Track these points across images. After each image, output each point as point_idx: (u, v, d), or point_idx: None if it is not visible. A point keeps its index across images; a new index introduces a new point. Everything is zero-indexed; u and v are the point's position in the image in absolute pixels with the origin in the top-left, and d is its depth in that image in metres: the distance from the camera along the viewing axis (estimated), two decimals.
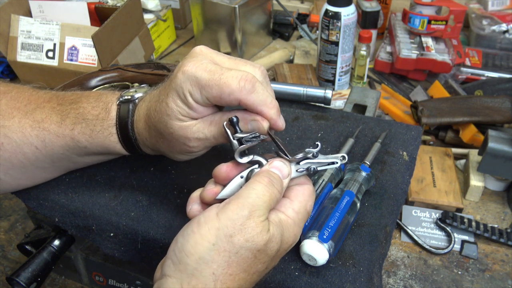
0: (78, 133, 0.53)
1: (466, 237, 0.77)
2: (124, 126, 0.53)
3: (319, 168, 0.47)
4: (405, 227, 0.79)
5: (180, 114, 0.47)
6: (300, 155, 0.46)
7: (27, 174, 0.56)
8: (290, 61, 1.28)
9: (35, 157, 0.53)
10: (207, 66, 0.45)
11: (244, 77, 0.44)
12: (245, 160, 0.46)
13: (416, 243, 0.77)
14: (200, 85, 0.45)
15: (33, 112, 0.53)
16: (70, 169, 0.60)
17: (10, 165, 0.53)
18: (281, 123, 0.47)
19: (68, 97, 0.55)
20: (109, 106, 0.53)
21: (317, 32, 1.16)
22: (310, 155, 0.46)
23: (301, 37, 1.38)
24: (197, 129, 0.48)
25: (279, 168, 0.45)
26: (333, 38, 1.07)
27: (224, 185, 0.46)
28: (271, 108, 0.46)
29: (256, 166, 0.46)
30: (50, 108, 0.54)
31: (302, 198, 0.46)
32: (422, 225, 0.80)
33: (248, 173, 0.46)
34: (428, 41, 1.15)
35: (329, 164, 0.47)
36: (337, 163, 0.47)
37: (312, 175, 0.50)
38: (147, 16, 1.27)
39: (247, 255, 0.40)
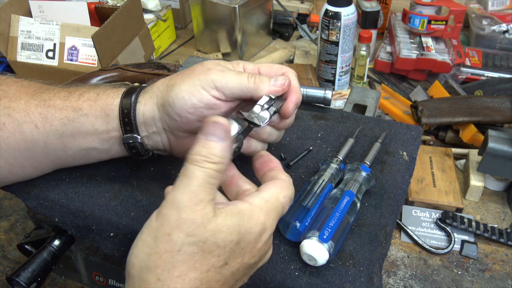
0: (84, 100, 0.53)
1: (466, 237, 0.77)
2: (132, 89, 0.54)
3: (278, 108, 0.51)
4: (405, 227, 0.79)
5: (222, 62, 0.52)
6: (265, 112, 0.49)
7: (19, 160, 0.55)
8: (290, 61, 1.28)
9: (31, 137, 0.53)
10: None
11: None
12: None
13: (416, 243, 0.77)
14: (255, 63, 0.54)
15: (42, 93, 0.54)
16: (58, 160, 0.57)
17: (6, 147, 0.53)
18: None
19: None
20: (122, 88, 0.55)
21: (317, 32, 1.16)
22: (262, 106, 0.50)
23: (301, 37, 1.38)
24: (230, 68, 0.52)
25: (211, 132, 0.39)
26: (333, 38, 1.07)
27: None
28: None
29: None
30: (61, 88, 0.55)
31: (274, 189, 0.44)
32: (422, 225, 0.80)
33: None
34: (428, 41, 1.15)
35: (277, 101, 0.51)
36: (281, 104, 0.51)
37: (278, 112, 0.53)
38: (147, 16, 1.27)
39: (192, 250, 0.37)
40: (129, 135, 0.53)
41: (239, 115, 0.49)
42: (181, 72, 0.53)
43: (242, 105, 0.54)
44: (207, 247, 0.37)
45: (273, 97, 0.51)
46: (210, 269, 0.38)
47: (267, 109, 0.50)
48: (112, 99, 0.53)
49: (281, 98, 0.52)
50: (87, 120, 0.53)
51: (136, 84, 0.56)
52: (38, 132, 0.53)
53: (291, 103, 0.53)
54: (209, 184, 0.38)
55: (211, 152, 0.38)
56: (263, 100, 0.50)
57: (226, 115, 0.53)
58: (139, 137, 0.54)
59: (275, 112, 0.51)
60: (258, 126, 0.49)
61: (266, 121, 0.49)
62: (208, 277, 0.37)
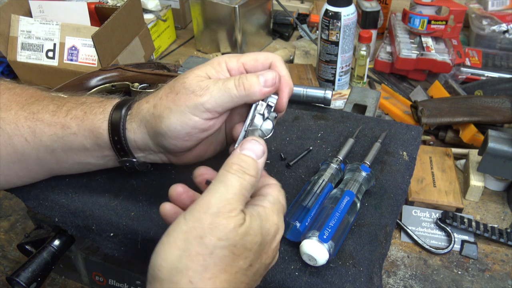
0: (71, 118, 0.52)
1: (466, 237, 0.77)
2: (123, 101, 0.52)
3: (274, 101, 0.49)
4: (405, 227, 0.79)
5: (202, 72, 0.48)
6: (267, 123, 0.48)
7: (12, 170, 0.55)
8: (290, 61, 1.28)
9: (23, 150, 0.53)
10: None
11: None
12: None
13: (416, 243, 0.77)
14: (238, 55, 0.50)
15: (31, 105, 0.53)
16: (53, 171, 0.58)
17: None
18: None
19: (76, 94, 0.56)
20: (115, 97, 0.54)
21: (317, 32, 1.16)
22: (264, 105, 0.48)
23: (301, 37, 1.38)
24: (212, 81, 0.48)
25: (251, 148, 0.42)
26: (333, 38, 1.07)
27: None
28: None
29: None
30: (50, 99, 0.54)
31: (275, 192, 0.45)
32: (422, 225, 0.80)
33: None
34: (428, 41, 1.15)
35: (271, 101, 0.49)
36: (275, 97, 0.49)
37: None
38: (147, 16, 1.27)
39: (224, 253, 0.37)
40: (125, 158, 0.53)
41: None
42: (164, 95, 0.49)
43: (237, 110, 0.52)
44: (237, 250, 0.38)
45: (272, 104, 0.49)
46: (238, 271, 0.39)
47: (268, 117, 0.48)
48: (100, 122, 0.51)
49: (275, 93, 0.50)
50: (77, 139, 0.52)
51: (137, 87, 0.55)
52: (28, 146, 0.52)
53: (285, 98, 0.50)
54: (242, 196, 0.40)
55: (249, 165, 0.41)
56: (261, 107, 0.48)
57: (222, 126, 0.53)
58: (135, 160, 0.53)
59: (275, 117, 0.50)
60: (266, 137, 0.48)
61: (270, 132, 0.48)
62: (235, 279, 0.38)
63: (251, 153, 0.42)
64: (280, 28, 1.40)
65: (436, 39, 1.17)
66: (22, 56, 1.11)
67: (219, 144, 0.55)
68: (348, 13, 1.03)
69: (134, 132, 0.51)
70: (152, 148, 0.52)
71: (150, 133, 0.50)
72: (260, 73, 0.48)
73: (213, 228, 0.37)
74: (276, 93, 0.50)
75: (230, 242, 0.37)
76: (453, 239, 0.76)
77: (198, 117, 0.47)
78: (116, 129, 0.50)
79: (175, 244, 0.37)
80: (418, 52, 1.13)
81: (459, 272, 0.73)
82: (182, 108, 0.47)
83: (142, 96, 0.53)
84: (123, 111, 0.51)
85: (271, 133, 0.48)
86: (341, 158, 0.61)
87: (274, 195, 0.44)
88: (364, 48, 1.11)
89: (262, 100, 0.49)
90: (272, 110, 0.49)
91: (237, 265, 0.38)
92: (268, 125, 0.48)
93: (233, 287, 0.38)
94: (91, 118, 0.52)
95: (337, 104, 1.08)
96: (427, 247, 0.76)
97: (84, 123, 0.51)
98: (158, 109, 0.48)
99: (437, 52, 1.12)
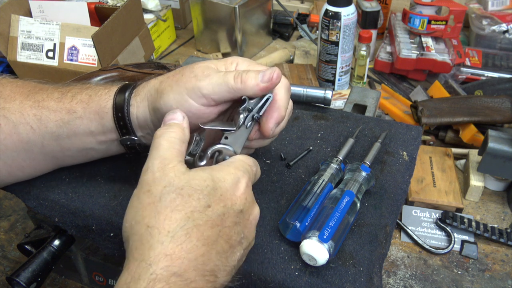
0: (77, 102, 0.53)
1: (466, 237, 0.77)
2: (127, 85, 0.54)
3: (261, 113, 0.50)
4: (405, 227, 0.79)
5: (212, 64, 0.51)
6: (240, 117, 0.50)
7: (16, 161, 0.55)
8: (290, 61, 1.28)
9: (28, 138, 0.53)
10: None
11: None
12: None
13: (416, 243, 0.77)
14: (250, 61, 0.53)
15: (35, 94, 0.54)
16: (56, 160, 0.58)
17: (4, 148, 0.53)
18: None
19: (80, 82, 0.56)
20: (119, 83, 0.54)
21: (317, 32, 1.16)
22: (245, 110, 0.50)
23: (301, 37, 1.38)
24: (215, 71, 0.50)
25: (172, 118, 0.47)
26: (333, 38, 1.07)
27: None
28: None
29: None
30: (54, 88, 0.55)
31: (238, 156, 0.48)
32: (422, 225, 0.80)
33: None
34: (428, 41, 1.15)
35: (264, 102, 0.50)
36: (270, 96, 0.50)
37: (258, 121, 0.52)
38: (147, 16, 1.27)
39: (172, 197, 0.40)
40: (127, 137, 0.54)
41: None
42: (171, 75, 0.51)
43: (234, 106, 0.53)
44: (185, 192, 0.41)
45: (256, 116, 0.50)
46: (194, 210, 0.41)
47: (242, 111, 0.50)
48: (105, 101, 0.53)
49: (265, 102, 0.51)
50: (82, 123, 0.53)
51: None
52: (34, 134, 0.53)
53: (271, 121, 0.51)
54: (174, 149, 0.44)
55: (171, 126, 0.46)
56: (247, 105, 0.50)
57: (221, 117, 0.53)
58: (136, 138, 0.54)
59: (253, 117, 0.50)
60: (231, 130, 0.50)
61: (239, 124, 0.50)
62: (193, 217, 0.40)
63: (172, 120, 0.47)
64: (280, 28, 1.40)
65: (436, 39, 1.17)
66: (22, 56, 1.11)
67: (210, 141, 0.54)
68: (348, 13, 1.04)
69: (137, 106, 0.52)
70: (150, 126, 0.53)
71: (150, 107, 0.51)
72: (261, 70, 0.49)
73: (155, 180, 0.42)
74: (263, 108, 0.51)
75: (175, 186, 0.41)
76: (453, 239, 0.76)
77: (193, 101, 0.49)
78: (120, 105, 0.52)
79: (131, 206, 0.42)
80: (418, 52, 1.13)
81: (459, 272, 0.73)
82: (181, 89, 0.49)
83: (151, 77, 0.54)
84: (129, 89, 0.53)
85: (239, 128, 0.50)
86: (341, 158, 0.61)
87: (236, 157, 0.48)
88: (364, 48, 1.11)
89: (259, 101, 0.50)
90: (252, 118, 0.50)
91: (190, 205, 0.41)
92: (239, 118, 0.50)
93: (192, 224, 0.40)
94: (96, 100, 0.53)
95: (337, 104, 1.08)
96: (427, 247, 0.76)
97: (89, 105, 0.53)
98: (162, 85, 0.51)
99: (437, 52, 1.12)
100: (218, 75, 0.49)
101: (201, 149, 0.49)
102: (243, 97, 0.49)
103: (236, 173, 0.45)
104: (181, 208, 0.40)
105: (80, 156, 0.57)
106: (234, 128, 0.50)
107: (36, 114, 0.53)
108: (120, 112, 0.52)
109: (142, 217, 0.40)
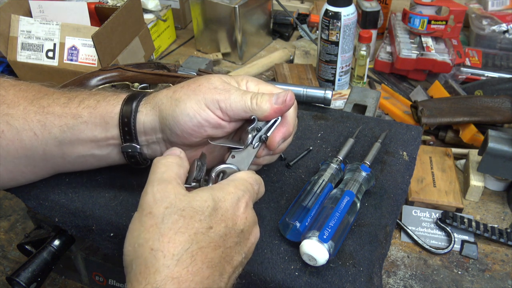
0: (83, 107, 0.53)
1: (466, 237, 0.77)
2: (137, 93, 0.54)
3: (269, 134, 0.51)
4: (405, 227, 0.79)
5: (226, 78, 0.52)
6: (249, 136, 0.51)
7: (17, 166, 0.55)
8: (290, 61, 1.28)
9: (30, 145, 0.53)
10: None
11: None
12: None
13: (416, 243, 0.77)
14: (258, 81, 0.54)
15: (40, 100, 0.54)
16: (57, 166, 0.58)
17: (6, 154, 0.53)
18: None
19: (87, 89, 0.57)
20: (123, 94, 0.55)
21: (317, 32, 1.16)
22: (253, 130, 0.51)
23: (301, 37, 1.38)
24: (235, 88, 0.51)
25: (169, 152, 0.49)
26: (333, 38, 1.07)
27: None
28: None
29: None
30: (60, 93, 0.55)
31: (238, 174, 0.49)
32: (422, 225, 0.80)
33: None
34: (428, 41, 1.15)
35: (272, 123, 0.51)
36: (279, 118, 0.52)
37: (265, 142, 0.52)
38: (147, 16, 1.27)
39: (174, 218, 0.41)
40: (129, 144, 0.53)
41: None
42: (186, 85, 0.52)
43: (246, 125, 0.53)
44: (187, 213, 0.41)
45: (262, 134, 0.51)
46: (197, 232, 0.41)
47: (251, 131, 0.51)
48: (113, 106, 0.53)
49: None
50: (86, 128, 0.53)
51: (137, 87, 0.56)
52: (37, 140, 0.53)
53: (278, 135, 0.52)
54: (172, 171, 0.45)
55: (167, 154, 0.48)
56: (256, 126, 0.51)
57: (229, 135, 0.54)
58: (138, 146, 0.53)
59: (260, 138, 0.51)
60: (239, 149, 0.51)
61: (247, 143, 0.51)
62: (197, 239, 0.40)
63: (169, 152, 0.49)
64: (280, 28, 1.40)
65: (436, 39, 1.17)
66: (22, 56, 1.11)
67: (217, 158, 0.55)
68: (348, 13, 1.04)
69: (146, 114, 0.52)
70: (157, 133, 0.53)
71: (161, 116, 0.51)
72: (275, 94, 0.51)
73: (157, 201, 0.42)
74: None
75: (177, 207, 0.41)
76: (453, 239, 0.76)
77: (211, 111, 0.49)
78: (128, 111, 0.52)
79: (132, 229, 0.42)
80: (418, 52, 1.13)
81: (459, 272, 0.73)
82: (199, 98, 0.49)
83: (162, 87, 0.55)
84: (139, 97, 0.53)
85: (247, 146, 0.51)
86: (341, 158, 0.61)
87: (235, 175, 0.48)
88: (364, 48, 1.11)
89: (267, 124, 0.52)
90: (259, 138, 0.52)
91: (193, 227, 0.41)
92: (247, 137, 0.51)
93: (196, 247, 0.40)
94: (103, 104, 0.53)
95: (337, 104, 1.08)
96: (427, 247, 0.76)
97: (96, 110, 0.53)
98: (178, 94, 0.51)
99: (437, 52, 1.12)
100: (238, 93, 0.50)
101: (204, 173, 0.49)
102: (252, 117, 0.50)
103: (236, 192, 0.45)
104: (184, 230, 0.40)
105: (79, 163, 0.57)
106: (242, 147, 0.50)
107: (41, 120, 0.52)
108: (127, 117, 0.52)
109: (145, 240, 0.40)
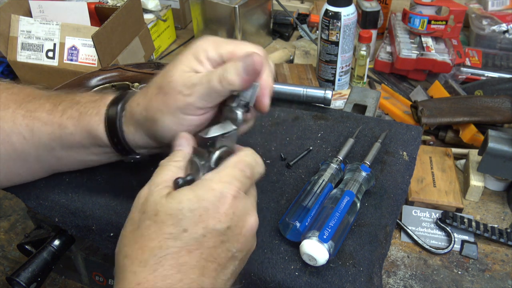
0: (67, 118, 0.52)
1: (466, 237, 0.77)
2: (115, 100, 0.52)
3: (251, 103, 0.48)
4: (405, 227, 0.79)
5: (186, 66, 0.47)
6: (238, 114, 0.48)
7: (12, 168, 0.55)
8: (290, 61, 1.28)
9: (21, 148, 0.53)
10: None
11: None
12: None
13: (416, 243, 0.77)
14: (217, 43, 0.48)
15: (28, 103, 0.54)
16: (53, 168, 0.58)
17: None
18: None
19: (71, 93, 0.55)
20: (108, 95, 0.53)
21: (317, 32, 1.16)
22: (239, 106, 0.48)
23: (301, 37, 1.38)
24: (197, 78, 0.47)
25: (177, 144, 0.47)
26: (333, 38, 1.07)
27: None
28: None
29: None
30: (46, 98, 0.54)
31: (227, 162, 0.44)
32: (422, 225, 0.80)
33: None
34: (428, 41, 1.15)
35: (253, 92, 0.48)
36: (257, 84, 0.48)
37: (248, 109, 0.49)
38: (147, 16, 1.26)
39: (147, 224, 0.40)
40: (130, 156, 0.54)
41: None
42: (153, 97, 0.49)
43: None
44: (159, 218, 0.40)
45: (243, 100, 0.48)
46: (169, 237, 0.40)
47: (237, 107, 0.48)
48: (96, 124, 0.51)
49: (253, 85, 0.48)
50: (75, 138, 0.52)
51: (137, 87, 0.55)
52: (27, 144, 0.53)
53: (265, 98, 0.49)
54: (166, 175, 0.43)
55: (174, 155, 0.46)
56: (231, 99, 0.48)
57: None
58: (139, 156, 0.54)
59: (246, 106, 0.49)
60: (233, 130, 0.48)
61: (239, 121, 0.48)
62: (166, 245, 0.39)
63: (177, 147, 0.47)
64: (280, 28, 1.40)
65: (436, 39, 1.17)
66: (22, 56, 1.11)
67: (203, 87, 0.51)
68: (348, 13, 1.03)
69: (133, 134, 0.51)
70: (154, 145, 0.52)
71: (148, 134, 0.51)
72: (240, 61, 0.46)
73: (137, 206, 0.42)
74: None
75: (150, 212, 0.41)
76: (453, 239, 0.76)
77: (191, 115, 0.48)
78: (113, 130, 0.51)
79: (121, 234, 0.43)
80: (418, 52, 1.13)
81: (459, 272, 0.73)
82: (173, 110, 0.47)
83: (132, 93, 0.53)
84: (118, 111, 0.51)
85: (239, 124, 0.48)
86: (341, 158, 0.61)
87: (224, 164, 0.44)
88: (364, 48, 1.11)
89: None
90: (243, 104, 0.49)
91: (164, 232, 0.40)
92: (237, 115, 0.48)
93: (166, 253, 0.39)
94: (87, 119, 0.52)
95: (337, 104, 1.08)
96: (427, 247, 0.76)
97: (80, 123, 0.52)
98: (150, 112, 0.49)
99: (437, 52, 1.12)
100: (202, 85, 0.46)
101: (200, 172, 0.45)
102: (232, 93, 0.48)
103: (218, 188, 0.42)
104: (155, 236, 0.40)
105: (78, 165, 0.57)
106: (235, 127, 0.48)
107: (28, 124, 0.52)
108: (116, 138, 0.51)
109: (123, 246, 0.41)
